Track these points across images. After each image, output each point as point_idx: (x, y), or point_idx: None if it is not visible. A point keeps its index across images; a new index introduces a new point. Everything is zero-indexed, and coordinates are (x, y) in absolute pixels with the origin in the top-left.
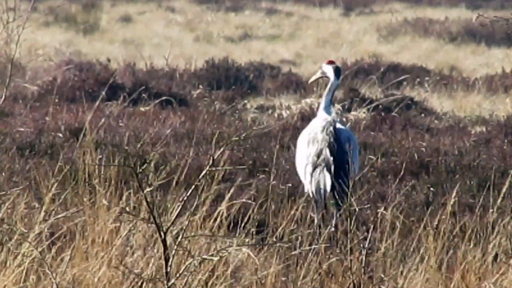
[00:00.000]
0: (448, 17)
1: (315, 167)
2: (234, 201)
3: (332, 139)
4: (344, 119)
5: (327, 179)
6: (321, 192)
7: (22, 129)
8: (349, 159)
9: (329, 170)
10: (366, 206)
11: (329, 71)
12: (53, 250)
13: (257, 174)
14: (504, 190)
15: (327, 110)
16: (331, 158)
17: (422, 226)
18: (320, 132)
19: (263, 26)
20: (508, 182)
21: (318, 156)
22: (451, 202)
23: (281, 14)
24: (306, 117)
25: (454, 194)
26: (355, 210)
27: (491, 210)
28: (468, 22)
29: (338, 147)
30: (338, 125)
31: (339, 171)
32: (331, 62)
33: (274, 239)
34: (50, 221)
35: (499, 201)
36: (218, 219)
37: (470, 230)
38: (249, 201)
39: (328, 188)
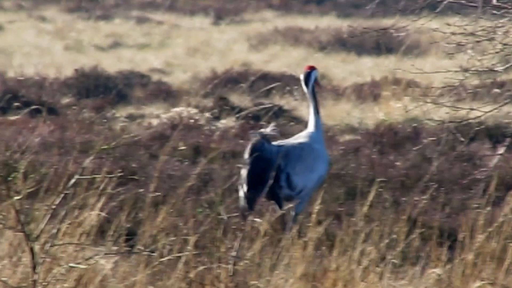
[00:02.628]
0: (319, 26)
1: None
2: (103, 209)
3: (247, 157)
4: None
5: (240, 192)
6: (240, 202)
7: None
8: (273, 173)
9: (242, 184)
10: (234, 215)
11: (301, 82)
12: None
13: (126, 183)
14: (370, 198)
15: (317, 126)
16: (244, 173)
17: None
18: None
19: (133, 34)
20: (374, 190)
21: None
22: (317, 210)
23: (152, 22)
24: (176, 125)
25: (318, 202)
26: (222, 218)
27: (354, 219)
28: (338, 31)
29: (257, 162)
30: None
31: (255, 185)
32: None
33: (142, 247)
34: None
35: (365, 209)
36: (86, 227)
37: (338, 239)
38: (118, 209)
39: (241, 201)
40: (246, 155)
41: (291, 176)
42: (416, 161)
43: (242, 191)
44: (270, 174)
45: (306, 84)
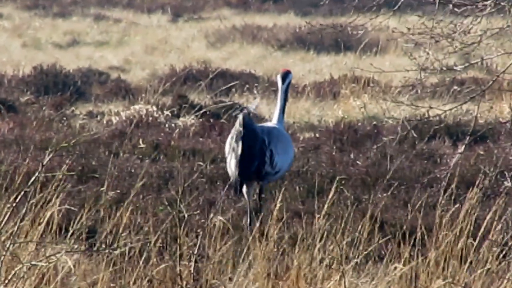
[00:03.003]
0: (277, 24)
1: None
2: (64, 207)
3: (239, 130)
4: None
5: (232, 164)
6: (231, 176)
7: None
8: (261, 148)
9: (235, 158)
10: (195, 213)
11: (278, 80)
12: None
13: (86, 180)
14: (331, 196)
15: (280, 121)
16: (236, 146)
17: (251, 232)
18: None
19: (91, 32)
20: (334, 188)
21: (230, 144)
22: (277, 208)
23: (110, 20)
24: (135, 123)
25: (279, 200)
26: (184, 216)
27: (317, 216)
28: (296, 29)
29: (247, 137)
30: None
31: (245, 159)
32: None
33: (104, 245)
34: None
35: (325, 207)
36: (48, 225)
37: (299, 237)
38: (78, 207)
39: (235, 172)
40: (239, 128)
41: (274, 154)
42: (376, 159)
43: (233, 163)
44: (257, 148)
45: (283, 82)
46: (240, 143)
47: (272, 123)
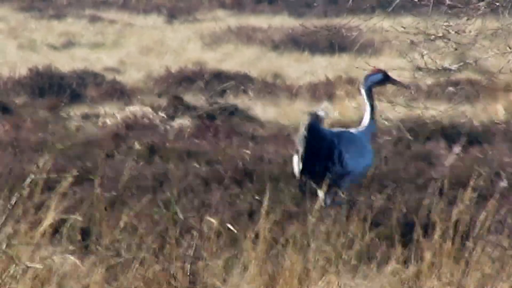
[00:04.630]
0: (271, 25)
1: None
2: (59, 209)
3: (304, 132)
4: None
5: (295, 164)
6: (295, 173)
7: None
8: (329, 149)
9: (299, 158)
10: (190, 214)
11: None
12: None
13: (82, 182)
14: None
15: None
16: (300, 148)
17: (246, 234)
18: None
19: (86, 33)
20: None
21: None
22: (266, 208)
23: (105, 21)
24: (130, 125)
25: (267, 201)
26: (179, 218)
27: (310, 217)
28: (290, 30)
29: (312, 139)
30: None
31: (310, 160)
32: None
33: (99, 247)
34: None
35: (316, 206)
36: (43, 227)
37: (293, 237)
38: (73, 209)
39: (296, 171)
40: (304, 131)
41: (343, 153)
42: None
43: (296, 162)
44: (325, 149)
45: (364, 85)
46: (304, 146)
47: (358, 128)
